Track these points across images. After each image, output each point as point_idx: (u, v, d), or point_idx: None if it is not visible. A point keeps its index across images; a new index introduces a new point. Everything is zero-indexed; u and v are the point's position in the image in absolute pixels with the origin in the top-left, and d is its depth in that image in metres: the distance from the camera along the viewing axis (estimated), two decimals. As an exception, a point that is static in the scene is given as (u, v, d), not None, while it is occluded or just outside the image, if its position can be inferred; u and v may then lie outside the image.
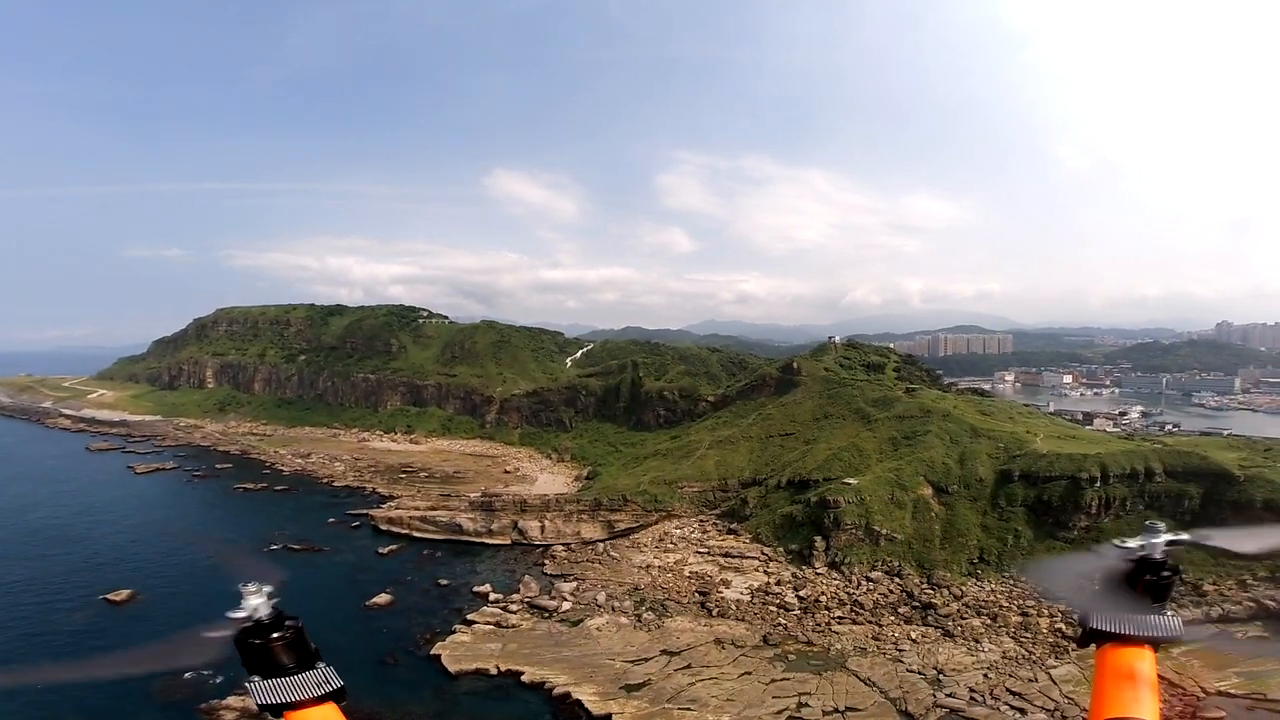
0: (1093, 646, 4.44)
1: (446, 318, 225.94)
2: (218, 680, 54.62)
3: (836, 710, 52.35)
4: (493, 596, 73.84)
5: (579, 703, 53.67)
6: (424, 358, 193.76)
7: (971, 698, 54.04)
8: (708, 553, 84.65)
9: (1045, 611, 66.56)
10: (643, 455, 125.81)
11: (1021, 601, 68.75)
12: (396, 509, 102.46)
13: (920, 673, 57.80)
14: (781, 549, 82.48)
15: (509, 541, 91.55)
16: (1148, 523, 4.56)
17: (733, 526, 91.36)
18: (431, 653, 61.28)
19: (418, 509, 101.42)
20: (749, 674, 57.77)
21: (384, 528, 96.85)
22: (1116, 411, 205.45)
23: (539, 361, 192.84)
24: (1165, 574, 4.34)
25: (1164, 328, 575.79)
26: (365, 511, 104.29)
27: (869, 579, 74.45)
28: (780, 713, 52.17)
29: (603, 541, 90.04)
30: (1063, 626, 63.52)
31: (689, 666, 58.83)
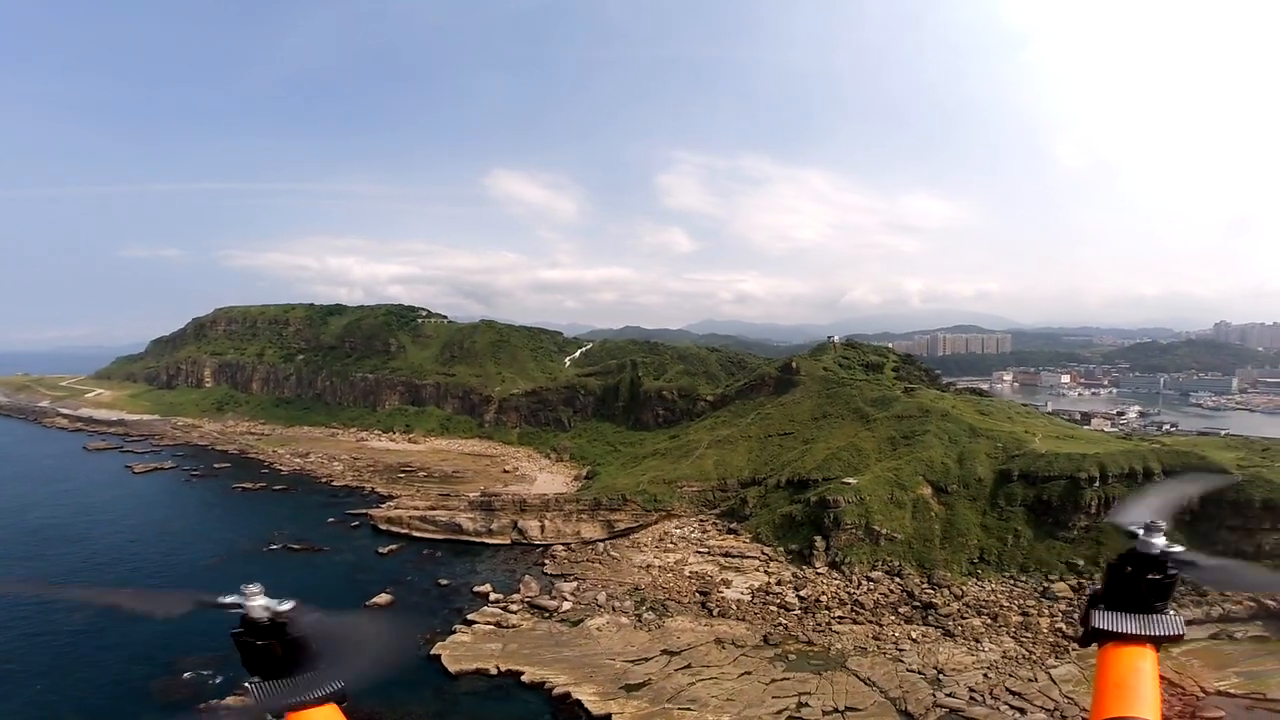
0: (1094, 645, 4.44)
1: (445, 317, 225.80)
2: (218, 680, 54.65)
3: (836, 710, 52.36)
4: (493, 596, 73.81)
5: (579, 703, 53.64)
6: (423, 357, 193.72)
7: (971, 697, 54.07)
8: (708, 552, 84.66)
9: (1045, 611, 66.69)
10: (642, 455, 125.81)
11: (1022, 601, 68.84)
12: (396, 509, 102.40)
13: (920, 672, 57.82)
14: (781, 549, 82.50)
15: (509, 541, 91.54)
16: (1149, 521, 4.55)
17: (732, 526, 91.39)
18: (431, 653, 61.19)
19: (417, 509, 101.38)
20: (749, 674, 57.77)
21: (383, 527, 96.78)
22: (1114, 411, 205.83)
23: (538, 361, 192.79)
24: (1167, 574, 4.34)
25: (1162, 327, 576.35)
26: (364, 511, 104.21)
27: (869, 579, 74.48)
28: (780, 713, 52.17)
29: (603, 541, 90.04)
30: (1063, 626, 63.65)
31: (689, 666, 58.84)
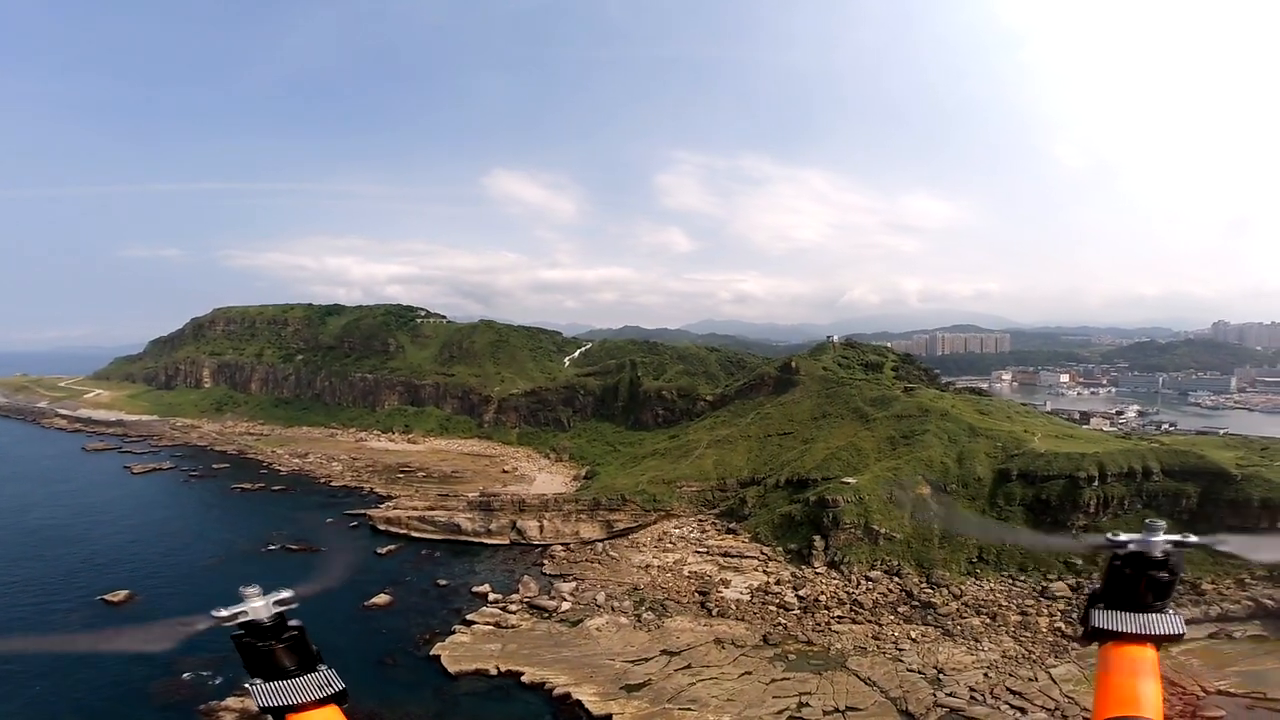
0: (1094, 645, 4.44)
1: (444, 317, 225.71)
2: (217, 681, 54.61)
3: (837, 710, 52.39)
4: (492, 597, 73.81)
5: (579, 703, 53.64)
6: (422, 357, 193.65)
7: (972, 697, 54.13)
8: (707, 552, 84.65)
9: (1045, 611, 66.75)
10: (641, 455, 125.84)
11: (1021, 600, 68.90)
12: (395, 509, 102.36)
13: (920, 672, 57.87)
14: (781, 548, 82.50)
15: (508, 541, 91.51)
16: (1147, 521, 4.55)
17: (732, 526, 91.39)
18: (431, 653, 61.24)
19: (416, 509, 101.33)
20: (749, 674, 57.79)
21: (382, 528, 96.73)
22: (1113, 411, 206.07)
23: (537, 361, 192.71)
24: (1167, 573, 4.34)
25: (1161, 327, 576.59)
26: (363, 511, 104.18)
27: (868, 578, 74.51)
28: (780, 713, 52.19)
29: (602, 541, 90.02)
30: (1062, 626, 63.71)
31: (689, 666, 58.85)
